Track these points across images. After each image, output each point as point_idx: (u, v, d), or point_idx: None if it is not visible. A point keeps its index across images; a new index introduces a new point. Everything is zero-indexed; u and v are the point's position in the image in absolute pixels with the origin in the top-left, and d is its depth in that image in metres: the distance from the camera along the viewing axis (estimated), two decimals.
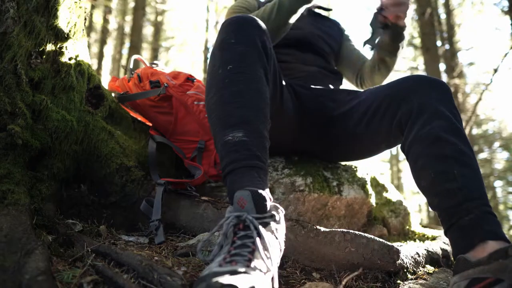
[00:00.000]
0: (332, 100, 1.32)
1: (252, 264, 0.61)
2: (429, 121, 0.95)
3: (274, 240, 0.69)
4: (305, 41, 1.51)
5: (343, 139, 1.27)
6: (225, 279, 0.53)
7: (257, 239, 0.65)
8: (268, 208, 0.72)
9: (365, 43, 1.34)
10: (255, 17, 1.01)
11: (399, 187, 13.36)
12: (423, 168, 0.92)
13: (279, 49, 1.44)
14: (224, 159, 0.84)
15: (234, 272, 0.57)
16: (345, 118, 1.24)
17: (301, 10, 1.25)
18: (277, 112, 1.18)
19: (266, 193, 0.74)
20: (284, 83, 1.23)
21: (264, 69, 0.96)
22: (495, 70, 5.21)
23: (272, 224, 0.71)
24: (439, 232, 1.44)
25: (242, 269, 0.58)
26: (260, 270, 0.61)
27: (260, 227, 0.67)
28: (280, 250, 0.72)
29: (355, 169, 1.39)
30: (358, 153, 1.34)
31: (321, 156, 1.41)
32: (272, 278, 0.66)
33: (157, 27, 10.82)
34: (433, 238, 1.33)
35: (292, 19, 1.26)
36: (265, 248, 0.66)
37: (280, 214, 0.75)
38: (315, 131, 1.29)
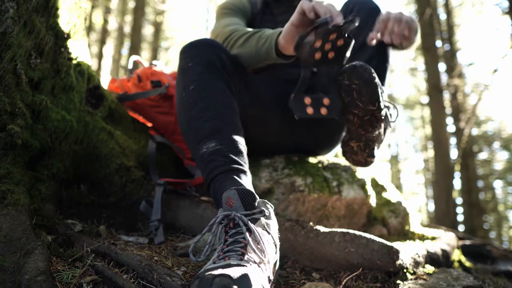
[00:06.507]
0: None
1: (246, 257, 0.63)
2: None
3: (266, 235, 0.70)
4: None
5: (331, 126, 1.33)
6: (217, 271, 0.54)
7: (247, 234, 0.66)
8: (256, 204, 0.73)
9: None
10: (210, 38, 1.07)
11: (398, 187, 13.36)
12: None
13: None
14: (204, 171, 0.89)
15: (227, 266, 0.58)
16: None
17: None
18: (262, 113, 1.23)
19: (252, 190, 0.75)
20: (264, 86, 1.25)
21: (226, 83, 1.01)
22: (495, 70, 5.20)
23: (262, 219, 0.72)
24: (439, 232, 1.44)
25: (235, 262, 0.60)
26: (254, 262, 0.63)
27: (250, 223, 0.68)
28: (275, 245, 0.73)
29: (354, 169, 1.39)
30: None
31: (315, 149, 1.43)
32: (269, 279, 0.67)
33: (157, 27, 10.80)
34: (433, 238, 1.33)
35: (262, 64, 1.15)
36: (257, 241, 0.67)
37: (270, 210, 0.76)
38: (305, 124, 1.29)
